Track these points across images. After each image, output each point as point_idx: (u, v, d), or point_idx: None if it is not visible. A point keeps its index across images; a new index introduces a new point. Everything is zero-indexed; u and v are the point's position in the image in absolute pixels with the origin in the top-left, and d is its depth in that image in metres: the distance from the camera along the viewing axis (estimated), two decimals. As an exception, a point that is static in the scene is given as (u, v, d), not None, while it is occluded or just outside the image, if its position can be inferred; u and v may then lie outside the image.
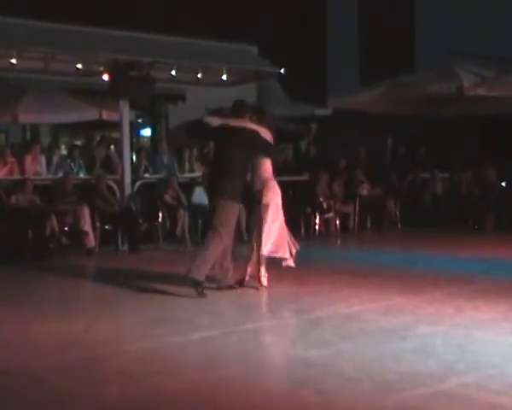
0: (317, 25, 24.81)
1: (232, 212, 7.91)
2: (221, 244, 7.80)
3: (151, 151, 16.81)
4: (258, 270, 8.12)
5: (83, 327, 6.59)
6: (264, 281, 8.13)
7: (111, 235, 12.25)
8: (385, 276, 9.12)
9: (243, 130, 7.95)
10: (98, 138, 16.34)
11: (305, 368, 5.16)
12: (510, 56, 15.91)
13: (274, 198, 8.12)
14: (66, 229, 11.69)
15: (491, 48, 17.32)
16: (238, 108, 8.18)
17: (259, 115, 8.32)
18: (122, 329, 6.63)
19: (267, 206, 8.04)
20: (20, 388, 4.89)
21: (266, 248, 8.00)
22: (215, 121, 8.09)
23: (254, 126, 8.04)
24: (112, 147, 16.76)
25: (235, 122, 8.00)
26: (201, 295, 7.63)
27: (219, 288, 8.02)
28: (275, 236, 8.07)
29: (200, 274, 7.63)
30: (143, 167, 14.25)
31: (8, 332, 6.48)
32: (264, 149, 8.15)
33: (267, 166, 8.19)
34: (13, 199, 11.55)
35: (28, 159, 13.29)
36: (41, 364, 5.43)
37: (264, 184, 8.13)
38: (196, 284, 7.64)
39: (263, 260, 8.12)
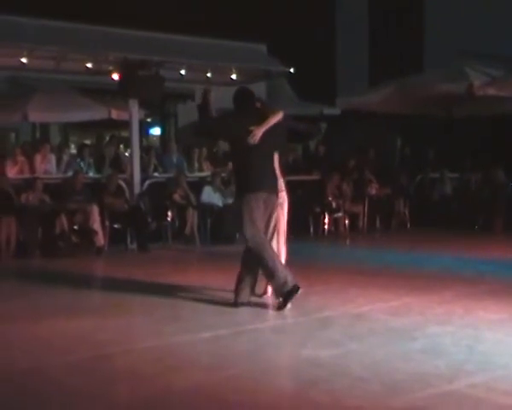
0: (326, 24, 24.78)
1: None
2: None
3: (160, 150, 16.84)
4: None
5: (92, 326, 6.61)
6: None
7: (120, 234, 12.29)
8: (394, 276, 9.12)
9: (280, 123, 7.27)
10: (108, 138, 16.37)
11: (315, 368, 5.17)
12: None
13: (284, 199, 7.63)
14: (75, 228, 11.74)
15: (501, 47, 17.25)
16: (249, 99, 7.36)
17: (261, 101, 7.69)
18: (132, 327, 6.65)
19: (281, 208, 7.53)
20: (32, 387, 4.91)
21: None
22: (259, 133, 7.02)
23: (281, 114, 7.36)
24: (121, 146, 16.80)
25: (274, 118, 7.16)
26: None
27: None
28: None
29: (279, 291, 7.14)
30: (153, 166, 14.28)
31: (19, 331, 6.51)
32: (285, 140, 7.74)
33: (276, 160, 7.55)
34: (23, 198, 11.61)
35: (38, 158, 13.34)
36: (52, 362, 5.45)
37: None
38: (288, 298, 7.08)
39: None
